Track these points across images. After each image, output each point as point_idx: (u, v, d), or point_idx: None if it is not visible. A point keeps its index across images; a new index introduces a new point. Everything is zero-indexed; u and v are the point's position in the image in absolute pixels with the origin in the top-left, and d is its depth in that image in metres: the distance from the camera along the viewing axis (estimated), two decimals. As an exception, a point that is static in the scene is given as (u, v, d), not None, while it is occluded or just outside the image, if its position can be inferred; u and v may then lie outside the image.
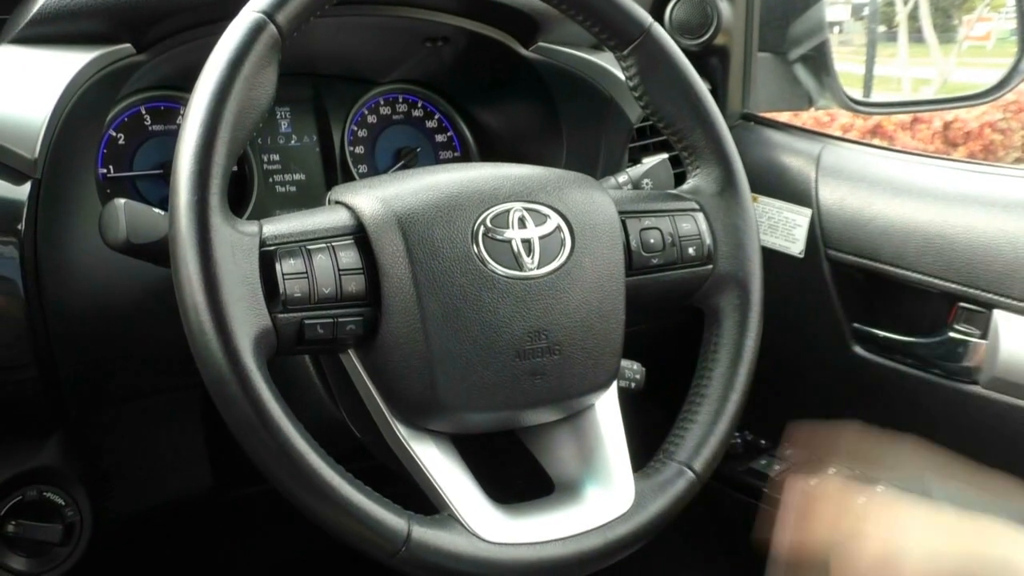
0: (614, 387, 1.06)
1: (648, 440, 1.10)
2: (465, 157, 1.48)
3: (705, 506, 1.12)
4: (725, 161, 1.11)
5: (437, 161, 1.47)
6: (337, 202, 0.99)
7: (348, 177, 1.40)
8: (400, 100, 1.47)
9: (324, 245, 0.93)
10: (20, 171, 1.04)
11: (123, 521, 1.22)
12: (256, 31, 0.91)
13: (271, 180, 1.37)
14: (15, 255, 1.03)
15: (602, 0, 1.07)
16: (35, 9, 1.14)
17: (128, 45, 1.15)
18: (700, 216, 1.11)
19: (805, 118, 1.95)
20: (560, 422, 1.04)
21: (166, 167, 1.24)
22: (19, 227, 1.03)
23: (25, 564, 1.09)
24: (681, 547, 1.62)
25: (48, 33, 1.14)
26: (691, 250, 1.10)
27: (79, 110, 1.09)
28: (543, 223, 0.99)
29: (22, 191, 1.04)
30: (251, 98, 0.91)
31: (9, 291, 1.03)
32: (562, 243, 0.99)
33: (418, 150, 1.44)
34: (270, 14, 0.92)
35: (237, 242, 0.88)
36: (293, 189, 1.38)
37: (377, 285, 0.94)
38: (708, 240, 1.11)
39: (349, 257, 0.93)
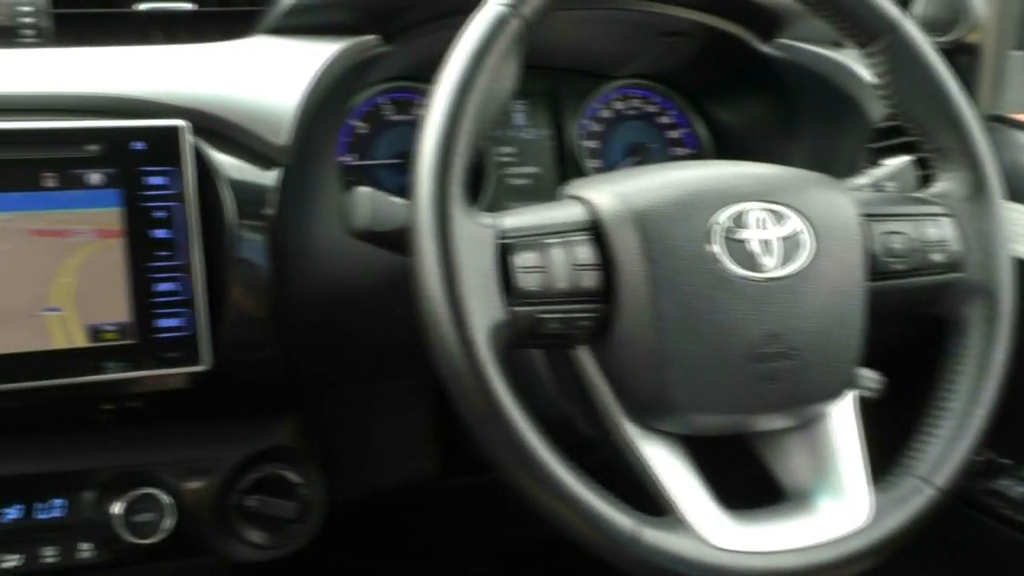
0: (851, 396, 1.03)
1: (879, 452, 1.07)
2: (699, 154, 1.46)
3: (941, 525, 1.07)
4: (978, 164, 1.07)
5: (669, 158, 1.45)
6: (572, 197, 0.99)
7: (579, 171, 1.40)
8: (634, 95, 1.46)
9: (560, 240, 0.93)
10: (270, 157, 1.08)
11: (354, 503, 1.25)
12: (501, 23, 0.92)
13: (505, 172, 1.38)
14: (263, 239, 1.07)
15: None
16: (291, 1, 1.18)
17: (375, 36, 1.18)
18: (948, 221, 1.07)
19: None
20: (793, 429, 1.02)
21: (405, 156, 1.26)
22: (267, 212, 1.07)
23: (263, 538, 1.14)
24: (915, 567, 1.56)
25: (300, 24, 1.18)
26: (937, 256, 1.05)
27: (326, 99, 1.12)
28: (783, 224, 0.96)
29: (270, 177, 1.08)
30: (493, 90, 0.92)
31: (256, 274, 1.07)
32: (803, 245, 0.96)
33: (653, 146, 1.43)
34: (515, 6, 0.93)
35: (476, 234, 0.89)
36: (526, 182, 1.39)
37: (612, 281, 0.93)
38: (956, 246, 1.06)
39: (584, 252, 0.93)
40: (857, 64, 1.34)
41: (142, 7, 1.28)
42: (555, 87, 1.41)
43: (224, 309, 1.07)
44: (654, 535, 0.89)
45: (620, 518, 0.89)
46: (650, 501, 0.94)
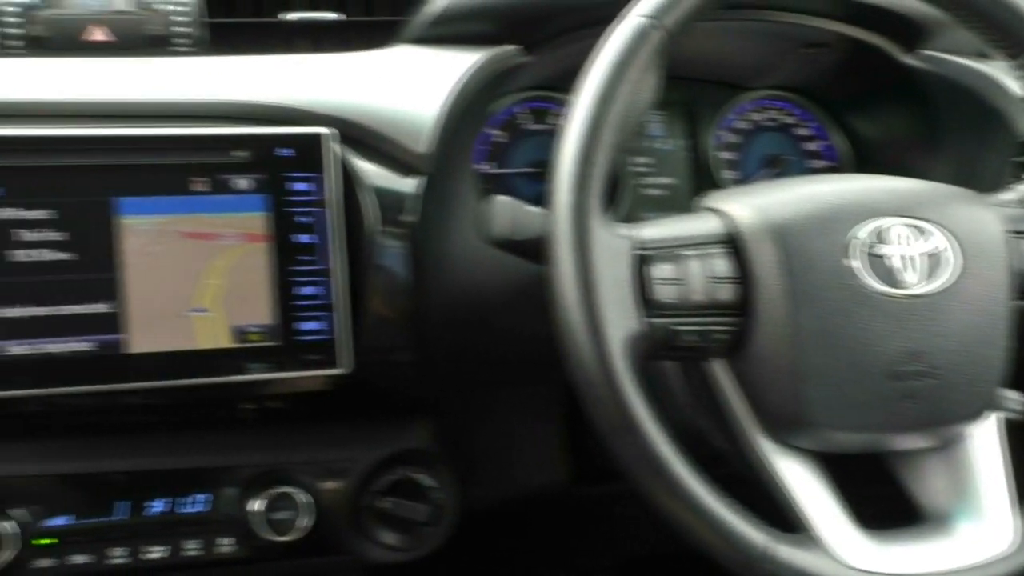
0: (995, 418, 1.00)
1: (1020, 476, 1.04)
2: (839, 167, 1.44)
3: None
4: None
5: (806, 170, 1.43)
6: (710, 209, 0.99)
7: (714, 183, 1.39)
8: (772, 106, 1.44)
9: (697, 252, 0.93)
10: (411, 165, 1.10)
11: (485, 508, 1.26)
12: (642, 35, 0.92)
13: (640, 182, 1.38)
14: (403, 246, 1.09)
15: (998, 4, 1.02)
16: (435, 11, 1.20)
17: (515, 46, 1.19)
18: None
19: None
20: (932, 449, 1.00)
21: (541, 165, 1.27)
22: (408, 219, 1.09)
23: (396, 540, 1.16)
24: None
25: (443, 34, 1.20)
26: None
27: (466, 109, 1.14)
28: (927, 240, 0.95)
29: (411, 184, 1.10)
30: (633, 102, 0.92)
31: (395, 280, 1.09)
32: (946, 262, 0.94)
33: (791, 159, 1.41)
34: (657, 18, 0.93)
35: (613, 245, 0.89)
36: (661, 192, 1.39)
37: (749, 295, 0.93)
38: None
39: (721, 265, 0.93)
40: (1005, 76, 1.30)
41: (290, 17, 1.31)
42: (691, 98, 1.41)
43: (363, 313, 1.09)
44: (788, 552, 0.88)
45: (753, 533, 0.88)
46: (783, 517, 0.93)
